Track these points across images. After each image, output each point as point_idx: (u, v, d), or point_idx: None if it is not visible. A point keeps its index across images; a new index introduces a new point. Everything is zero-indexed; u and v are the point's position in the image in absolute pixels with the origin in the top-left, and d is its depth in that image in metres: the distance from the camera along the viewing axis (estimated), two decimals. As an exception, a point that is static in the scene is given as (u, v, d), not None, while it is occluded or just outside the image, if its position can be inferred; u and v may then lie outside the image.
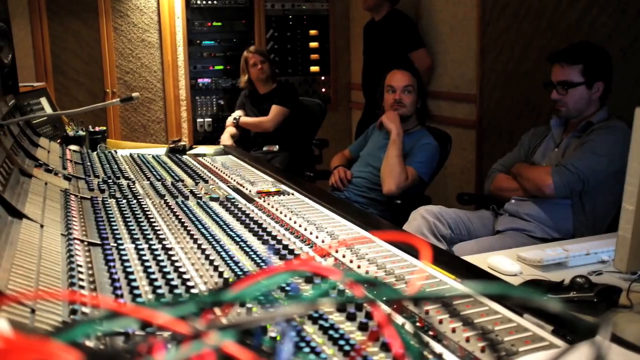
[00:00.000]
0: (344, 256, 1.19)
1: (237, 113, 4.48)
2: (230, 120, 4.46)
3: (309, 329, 0.87)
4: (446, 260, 1.18)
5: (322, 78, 5.59)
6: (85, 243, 1.16)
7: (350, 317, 0.91)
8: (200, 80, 5.31)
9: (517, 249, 1.86)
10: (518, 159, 2.62)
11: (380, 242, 1.28)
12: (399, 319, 0.92)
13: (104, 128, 3.02)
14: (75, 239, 1.15)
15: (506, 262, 1.64)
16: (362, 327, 0.88)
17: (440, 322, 0.91)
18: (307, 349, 0.80)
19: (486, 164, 2.95)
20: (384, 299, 0.95)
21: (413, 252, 1.20)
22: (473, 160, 3.95)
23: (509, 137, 3.50)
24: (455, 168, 4.05)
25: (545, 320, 0.90)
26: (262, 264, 1.14)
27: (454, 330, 0.88)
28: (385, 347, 0.82)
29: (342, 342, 0.82)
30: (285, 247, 1.24)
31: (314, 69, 5.56)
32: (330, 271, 0.32)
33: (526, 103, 3.73)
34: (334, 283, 0.30)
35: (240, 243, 1.24)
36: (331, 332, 0.85)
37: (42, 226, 1.17)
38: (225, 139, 4.32)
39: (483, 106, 3.87)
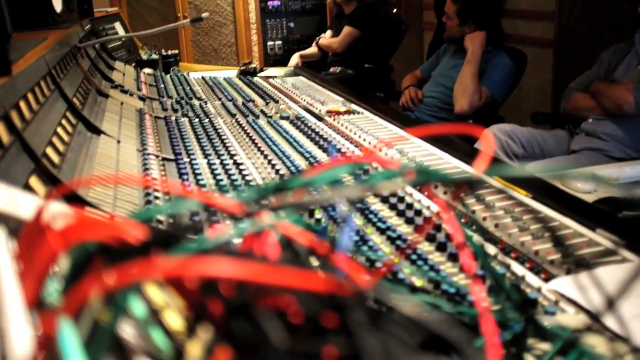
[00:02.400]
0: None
1: (327, 33, 4.48)
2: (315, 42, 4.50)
3: (368, 229, 0.93)
4: (517, 176, 1.16)
5: (393, -1, 5.45)
6: (160, 158, 1.19)
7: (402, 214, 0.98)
8: (270, 3, 5.26)
9: (593, 167, 1.80)
10: (597, 78, 2.51)
11: (450, 159, 1.27)
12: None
13: (177, 52, 3.05)
14: (150, 154, 1.19)
15: (580, 179, 1.59)
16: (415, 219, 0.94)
17: (510, 235, 0.90)
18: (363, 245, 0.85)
19: (563, 84, 2.83)
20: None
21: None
22: (550, 81, 3.80)
23: (589, 56, 3.34)
24: (530, 89, 3.92)
25: (618, 235, 0.88)
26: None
27: (522, 244, 0.87)
28: (442, 247, 0.86)
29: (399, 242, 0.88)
30: (366, 172, 1.24)
31: (385, -12, 5.42)
32: (392, 162, 0.32)
33: (608, 20, 3.53)
34: (395, 172, 0.30)
35: (310, 159, 1.25)
36: (389, 232, 0.91)
37: (118, 142, 1.21)
38: (294, 58, 4.32)
39: (562, 24, 3.68)
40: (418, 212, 0.99)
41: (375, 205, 1.02)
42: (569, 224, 0.93)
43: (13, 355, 0.23)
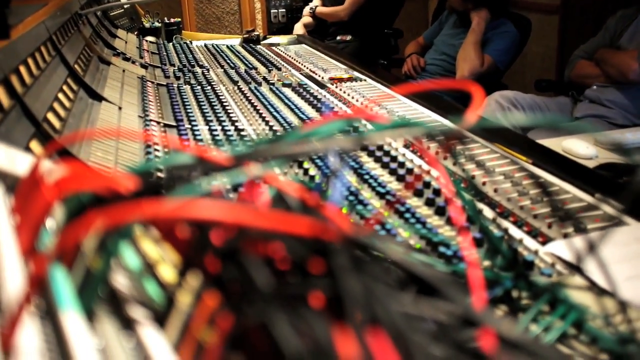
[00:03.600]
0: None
1: (314, 2, 4.40)
2: (306, 10, 4.39)
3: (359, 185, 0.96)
4: (517, 142, 1.17)
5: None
6: (161, 124, 1.20)
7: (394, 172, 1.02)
8: (273, -30, 5.20)
9: (595, 133, 1.80)
10: (602, 45, 2.49)
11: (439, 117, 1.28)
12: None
13: (179, 20, 3.03)
14: (151, 120, 1.20)
15: (581, 145, 1.59)
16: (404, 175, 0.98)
17: (509, 200, 0.91)
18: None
19: (568, 52, 2.81)
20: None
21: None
22: (555, 48, 3.77)
23: (595, 23, 3.30)
24: (535, 56, 3.89)
25: (617, 199, 0.89)
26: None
27: (521, 208, 0.88)
28: (430, 202, 0.90)
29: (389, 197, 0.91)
30: (356, 129, 1.25)
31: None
32: (380, 117, 0.32)
33: (616, -15, 3.49)
34: (383, 125, 0.30)
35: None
36: (379, 189, 0.94)
37: (120, 108, 1.21)
38: (298, 28, 4.27)
39: (568, -11, 3.65)
40: (410, 171, 1.02)
41: (368, 164, 1.04)
42: (569, 189, 0.93)
43: (7, 296, 0.24)
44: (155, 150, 1.01)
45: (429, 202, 0.89)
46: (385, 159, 1.05)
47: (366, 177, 0.98)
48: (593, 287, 0.51)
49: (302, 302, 0.22)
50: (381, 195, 0.92)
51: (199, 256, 0.26)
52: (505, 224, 0.84)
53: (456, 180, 0.96)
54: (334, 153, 0.29)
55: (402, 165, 1.03)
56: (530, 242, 0.79)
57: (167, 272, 0.29)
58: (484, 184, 0.97)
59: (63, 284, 0.25)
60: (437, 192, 0.92)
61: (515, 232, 0.82)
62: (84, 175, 0.28)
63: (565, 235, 0.81)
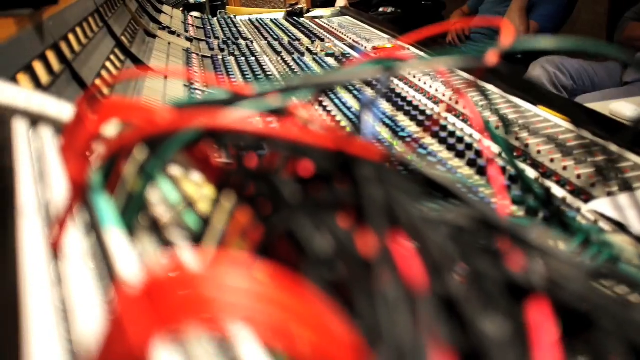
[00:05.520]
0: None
1: None
2: None
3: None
4: (562, 104, 1.15)
5: None
6: (206, 93, 1.22)
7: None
8: (318, -57, 5.16)
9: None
10: (655, 4, 2.41)
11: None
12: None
13: (224, -5, 3.06)
14: (196, 89, 1.22)
15: (629, 108, 1.54)
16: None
17: (552, 161, 0.90)
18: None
19: (619, 18, 2.72)
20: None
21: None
22: (605, 14, 3.66)
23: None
24: (584, 24, 3.78)
25: (665, 158, 0.87)
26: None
27: (565, 169, 0.87)
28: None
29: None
30: (398, 95, 1.24)
31: None
32: (412, 56, 0.33)
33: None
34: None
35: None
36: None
37: (166, 78, 1.23)
38: (341, 0, 4.26)
39: (620, -48, 3.53)
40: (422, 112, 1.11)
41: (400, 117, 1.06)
42: (613, 149, 0.92)
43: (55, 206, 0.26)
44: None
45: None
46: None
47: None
48: (637, 242, 0.51)
49: (327, 210, 0.23)
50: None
51: (233, 179, 0.27)
52: (548, 183, 0.84)
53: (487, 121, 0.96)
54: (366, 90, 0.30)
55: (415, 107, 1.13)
56: (572, 201, 0.78)
57: (204, 204, 0.31)
58: (526, 145, 0.96)
59: (105, 204, 0.26)
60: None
61: (558, 191, 0.81)
62: (125, 107, 0.30)
63: (609, 194, 0.80)
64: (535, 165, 0.90)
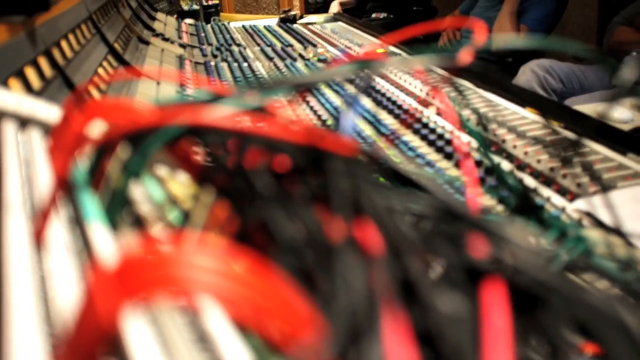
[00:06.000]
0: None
1: None
2: None
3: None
4: (549, 107, 1.16)
5: None
6: (198, 98, 1.23)
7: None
8: (311, -50, 5.20)
9: (633, 98, 1.77)
10: (643, 10, 2.43)
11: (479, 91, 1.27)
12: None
13: (217, 2, 3.07)
14: (189, 95, 1.23)
15: (617, 110, 1.56)
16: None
17: (539, 162, 0.91)
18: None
19: (609, 22, 2.74)
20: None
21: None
22: (595, 18, 3.68)
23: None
24: (574, 27, 3.80)
25: (650, 159, 0.89)
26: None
27: (551, 170, 0.88)
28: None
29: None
30: (388, 99, 1.26)
31: None
32: (390, 58, 0.34)
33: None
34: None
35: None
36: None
37: (158, 83, 1.25)
38: (335, 6, 4.28)
39: (610, -45, 3.55)
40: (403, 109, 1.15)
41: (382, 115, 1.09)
42: (599, 150, 0.93)
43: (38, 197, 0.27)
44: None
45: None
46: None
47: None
48: (616, 237, 0.52)
49: (298, 201, 0.24)
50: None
51: (212, 175, 0.28)
52: (535, 183, 0.85)
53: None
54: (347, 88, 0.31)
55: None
56: (558, 199, 0.80)
57: (187, 201, 0.32)
58: (514, 147, 0.97)
59: (89, 199, 0.27)
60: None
61: (544, 190, 0.83)
62: (110, 107, 0.31)
63: (595, 193, 0.82)
64: (522, 166, 0.91)
